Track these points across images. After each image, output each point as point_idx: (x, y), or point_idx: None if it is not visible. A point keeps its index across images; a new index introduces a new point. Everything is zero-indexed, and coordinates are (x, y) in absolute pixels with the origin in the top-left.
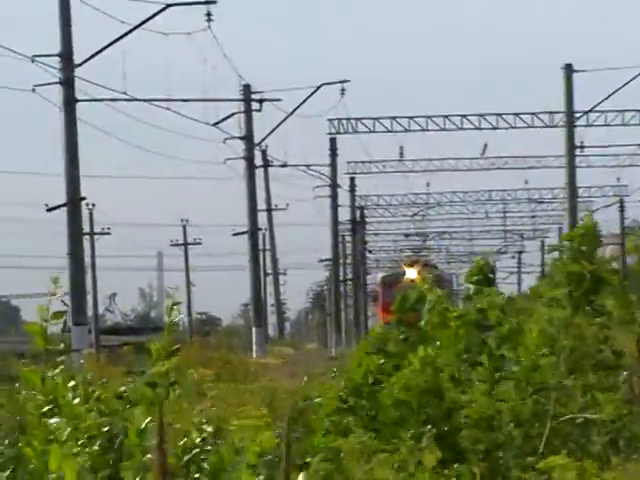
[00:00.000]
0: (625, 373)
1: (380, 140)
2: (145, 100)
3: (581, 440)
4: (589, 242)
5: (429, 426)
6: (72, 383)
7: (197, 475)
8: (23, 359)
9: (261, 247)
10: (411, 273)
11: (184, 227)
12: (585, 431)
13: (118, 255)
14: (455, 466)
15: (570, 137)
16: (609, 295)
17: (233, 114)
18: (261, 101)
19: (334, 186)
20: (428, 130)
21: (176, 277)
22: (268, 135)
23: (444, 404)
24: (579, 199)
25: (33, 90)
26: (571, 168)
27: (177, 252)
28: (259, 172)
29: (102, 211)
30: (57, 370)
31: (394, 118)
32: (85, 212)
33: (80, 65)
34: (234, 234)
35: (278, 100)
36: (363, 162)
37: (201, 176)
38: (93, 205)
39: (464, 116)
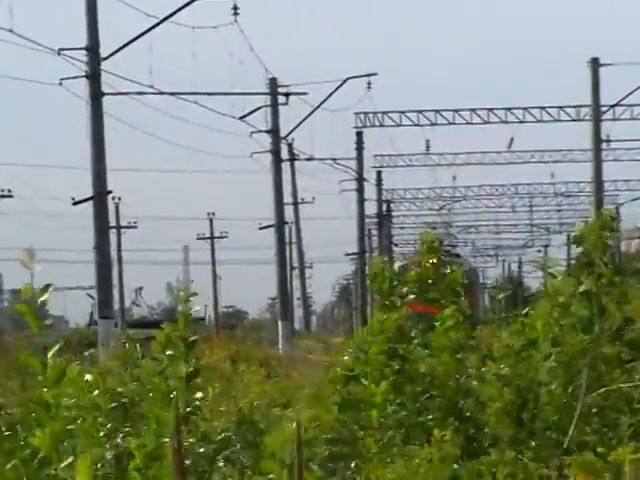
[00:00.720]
0: None
1: (407, 134)
2: (171, 94)
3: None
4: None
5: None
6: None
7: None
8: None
9: (287, 241)
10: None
11: (210, 220)
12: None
13: (144, 249)
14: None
15: (596, 131)
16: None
17: (259, 108)
18: (287, 95)
19: (360, 180)
20: (455, 124)
21: (202, 271)
22: (294, 129)
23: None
24: (605, 193)
25: (60, 84)
26: (597, 162)
27: (203, 246)
28: (285, 166)
29: (128, 205)
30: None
31: (421, 112)
32: (111, 206)
33: (107, 58)
34: (260, 228)
35: (304, 94)
36: (390, 156)
37: (227, 170)
38: (119, 199)
39: (491, 110)
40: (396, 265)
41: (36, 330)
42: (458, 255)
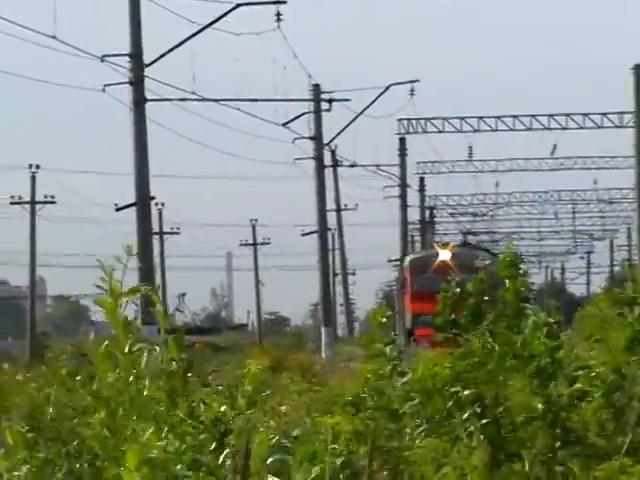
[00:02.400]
0: None
1: (449, 140)
2: (214, 100)
3: None
4: None
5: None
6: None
7: None
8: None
9: (330, 247)
10: (444, 255)
11: (253, 227)
12: None
13: (187, 255)
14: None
15: (639, 137)
16: None
17: (302, 114)
18: (330, 101)
19: (403, 186)
20: (497, 130)
21: (245, 277)
22: (337, 135)
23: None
24: None
25: (103, 90)
26: None
27: (246, 252)
28: (328, 172)
29: (171, 210)
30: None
31: (463, 118)
32: (154, 212)
33: (150, 65)
34: (303, 234)
35: (347, 100)
36: (432, 162)
37: (270, 176)
38: (162, 205)
39: (533, 116)
40: (409, 258)
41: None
42: (479, 247)
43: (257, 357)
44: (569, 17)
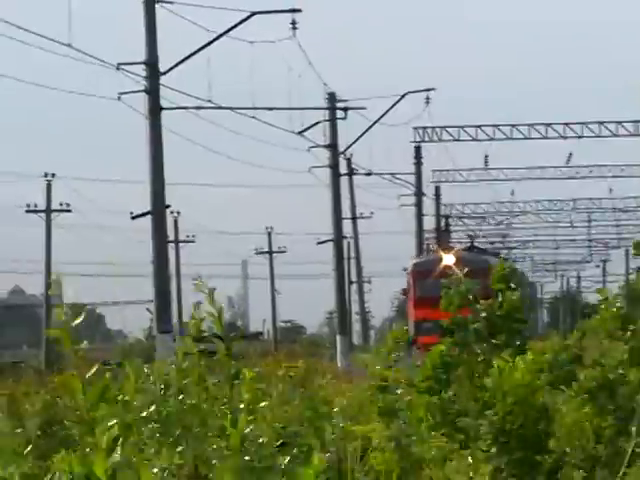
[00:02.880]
0: None
1: (465, 148)
2: (230, 108)
3: None
4: None
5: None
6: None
7: None
8: (107, 366)
9: (346, 255)
10: (449, 259)
11: (269, 235)
12: None
13: (203, 263)
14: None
15: None
16: None
17: (318, 122)
18: (346, 109)
19: (419, 194)
20: (513, 138)
21: (261, 285)
22: (353, 143)
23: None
24: None
25: (118, 98)
26: None
27: (262, 260)
28: (344, 180)
29: (187, 219)
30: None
31: (479, 126)
32: (170, 220)
33: (165, 73)
34: (319, 242)
35: (363, 108)
36: (448, 170)
37: (286, 184)
38: (178, 213)
39: (549, 125)
40: (412, 262)
41: (73, 353)
42: (497, 254)
43: (271, 366)
44: (586, 25)
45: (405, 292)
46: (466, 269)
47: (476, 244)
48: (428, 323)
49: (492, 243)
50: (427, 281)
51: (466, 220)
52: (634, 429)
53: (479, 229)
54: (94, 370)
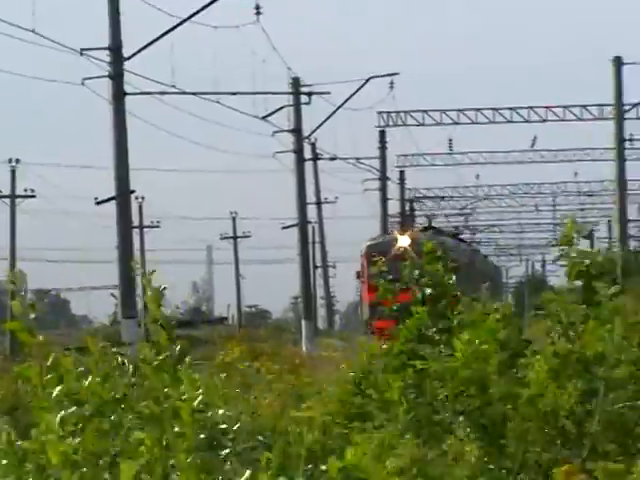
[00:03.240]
0: None
1: (429, 133)
2: (194, 93)
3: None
4: None
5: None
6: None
7: None
8: (70, 351)
9: (310, 240)
10: (403, 240)
11: (233, 220)
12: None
13: (167, 248)
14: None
15: (619, 130)
16: None
17: (282, 107)
18: (310, 94)
19: (383, 179)
20: (477, 123)
21: (226, 270)
22: (317, 128)
23: (488, 395)
24: (629, 192)
25: (82, 83)
26: (620, 161)
27: (227, 245)
28: (308, 165)
29: (151, 204)
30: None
31: (443, 111)
32: (134, 205)
33: (129, 58)
34: (283, 227)
35: (327, 93)
36: (412, 155)
37: (250, 169)
38: (142, 198)
39: (513, 109)
40: (365, 244)
41: (29, 348)
42: (457, 235)
43: (234, 349)
44: (552, 8)
45: (359, 275)
46: (420, 252)
47: (435, 225)
48: (382, 307)
49: (456, 227)
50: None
51: (430, 203)
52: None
53: (442, 213)
54: (52, 359)
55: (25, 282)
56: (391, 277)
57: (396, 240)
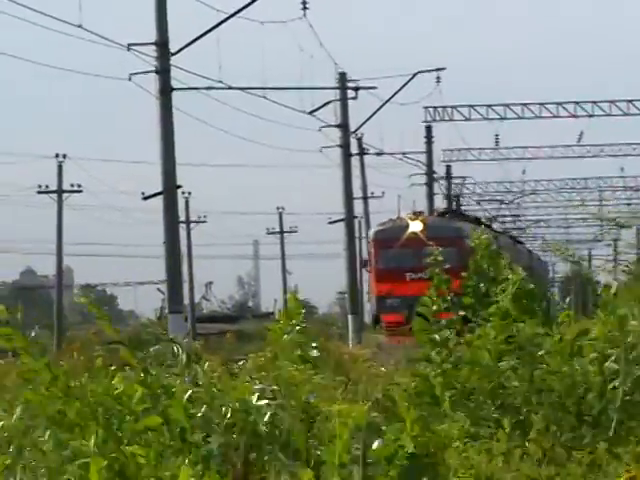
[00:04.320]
0: None
1: (476, 128)
2: (241, 88)
3: None
4: None
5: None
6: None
7: None
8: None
9: (357, 235)
10: (415, 226)
11: (280, 215)
12: None
13: (214, 243)
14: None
15: None
16: None
17: (329, 102)
18: (357, 89)
19: (430, 174)
20: (524, 118)
21: (272, 265)
22: (364, 123)
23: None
24: None
25: (129, 79)
26: None
27: (273, 240)
28: (354, 160)
29: (198, 199)
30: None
31: (490, 106)
32: (181, 200)
33: (176, 54)
34: (330, 222)
35: (374, 88)
36: (459, 150)
37: (297, 164)
38: (189, 193)
39: (560, 104)
40: (373, 230)
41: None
42: (478, 220)
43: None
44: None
45: (365, 264)
46: (434, 238)
47: (462, 207)
48: (392, 299)
49: (503, 222)
50: (390, 251)
51: (476, 198)
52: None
53: (490, 208)
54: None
55: (72, 278)
56: (401, 266)
57: (407, 225)
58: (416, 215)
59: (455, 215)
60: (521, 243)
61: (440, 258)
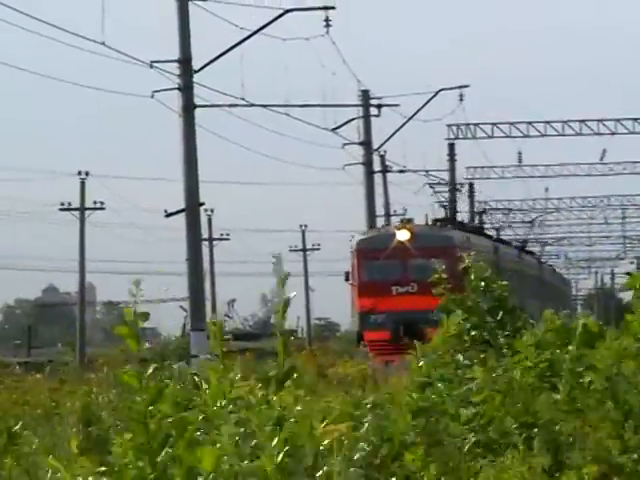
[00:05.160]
0: None
1: (499, 145)
2: (263, 106)
3: None
4: None
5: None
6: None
7: None
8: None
9: None
10: (402, 235)
11: (303, 232)
12: None
13: (237, 261)
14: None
15: None
16: None
17: (352, 119)
18: (379, 106)
19: (453, 191)
20: (547, 135)
21: (294, 283)
22: (387, 140)
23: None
24: None
25: (152, 96)
26: None
27: (296, 257)
28: (377, 177)
29: (220, 217)
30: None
31: (512, 123)
32: (204, 217)
33: (199, 71)
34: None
35: (396, 105)
36: (482, 167)
37: (319, 182)
38: (212, 211)
39: (583, 121)
40: (354, 241)
41: (135, 350)
42: (479, 229)
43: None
44: (619, 22)
45: (348, 277)
46: (422, 248)
47: (462, 218)
48: (376, 315)
49: (525, 240)
50: (375, 263)
51: (499, 215)
52: None
53: (510, 224)
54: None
55: (95, 295)
56: (386, 279)
57: (393, 234)
58: (403, 223)
59: (448, 223)
60: (531, 253)
61: (444, 275)
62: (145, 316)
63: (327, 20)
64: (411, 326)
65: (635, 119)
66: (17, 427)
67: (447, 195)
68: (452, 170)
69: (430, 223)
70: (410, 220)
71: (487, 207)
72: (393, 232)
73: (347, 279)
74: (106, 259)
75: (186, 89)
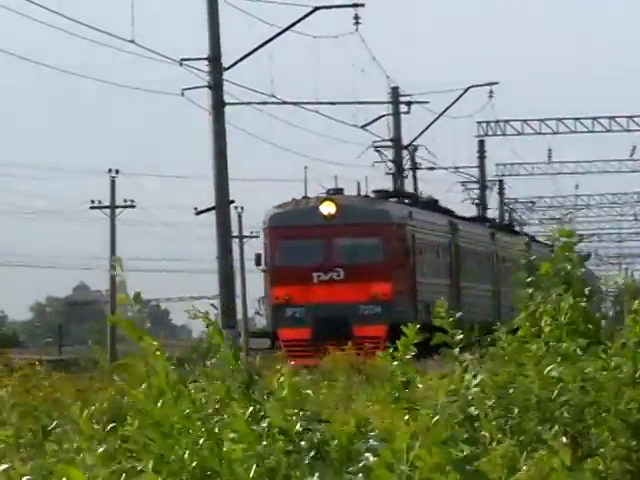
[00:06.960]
0: None
1: (528, 142)
2: (294, 103)
3: None
4: None
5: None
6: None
7: None
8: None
9: None
10: (326, 207)
11: None
12: None
13: None
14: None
15: None
16: None
17: (381, 116)
18: (409, 103)
19: (483, 188)
20: (577, 132)
21: None
22: (416, 138)
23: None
24: None
25: (182, 94)
26: None
27: None
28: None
29: (251, 214)
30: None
31: (542, 120)
32: (234, 215)
33: (228, 68)
34: None
35: (426, 102)
36: (512, 164)
37: (349, 179)
38: (242, 208)
39: (612, 118)
40: (268, 215)
41: (136, 341)
42: (510, 227)
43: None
44: None
45: (259, 261)
46: (352, 224)
47: (426, 195)
48: (293, 308)
49: (510, 219)
50: (292, 243)
51: (529, 213)
52: None
53: (541, 220)
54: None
55: (126, 287)
56: (305, 263)
57: (316, 208)
58: (329, 194)
59: (390, 195)
60: (520, 234)
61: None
62: (140, 300)
63: (356, 17)
64: (337, 323)
65: None
66: (52, 426)
67: (477, 192)
68: (482, 167)
69: (365, 194)
70: (339, 191)
71: (518, 205)
72: (315, 205)
73: (258, 263)
74: (137, 257)
75: (216, 87)
